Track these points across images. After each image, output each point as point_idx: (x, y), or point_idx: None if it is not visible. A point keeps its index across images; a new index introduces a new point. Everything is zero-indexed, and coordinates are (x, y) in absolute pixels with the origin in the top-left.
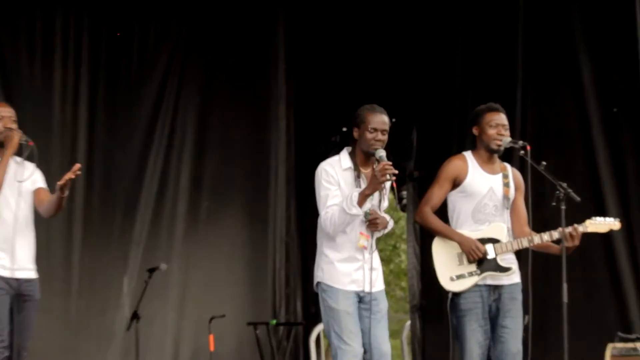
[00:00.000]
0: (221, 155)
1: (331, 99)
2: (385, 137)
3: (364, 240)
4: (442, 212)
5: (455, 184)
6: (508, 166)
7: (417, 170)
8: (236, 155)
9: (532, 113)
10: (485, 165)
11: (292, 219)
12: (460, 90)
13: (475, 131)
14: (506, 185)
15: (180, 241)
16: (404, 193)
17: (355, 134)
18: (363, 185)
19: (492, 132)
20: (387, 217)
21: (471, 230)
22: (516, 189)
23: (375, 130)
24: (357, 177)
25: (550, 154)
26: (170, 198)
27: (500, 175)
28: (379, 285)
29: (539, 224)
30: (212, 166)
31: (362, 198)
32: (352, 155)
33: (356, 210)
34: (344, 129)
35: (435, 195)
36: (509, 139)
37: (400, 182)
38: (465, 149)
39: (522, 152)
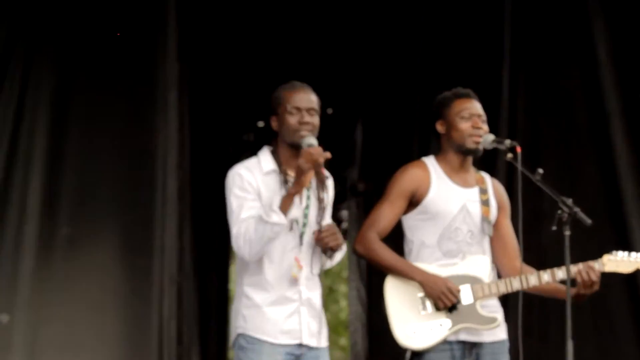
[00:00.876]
0: (85, 164)
1: (242, 85)
2: (314, 120)
3: (292, 269)
4: (396, 240)
5: (413, 201)
6: (486, 177)
7: (363, 181)
8: (106, 164)
9: (523, 101)
10: (455, 174)
11: (187, 250)
12: (422, 71)
13: (439, 127)
14: (485, 203)
15: (27, 283)
16: (344, 213)
17: (274, 124)
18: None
19: (464, 125)
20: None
21: (439, 266)
22: (499, 208)
23: (299, 110)
24: (284, 181)
25: (550, 158)
26: (13, 223)
27: (476, 190)
28: (323, 340)
29: (535, 256)
30: (71, 179)
31: (286, 200)
32: (274, 154)
33: (278, 218)
34: (261, 124)
35: (384, 216)
36: (491, 136)
37: (338, 198)
38: (429, 153)
39: (509, 155)
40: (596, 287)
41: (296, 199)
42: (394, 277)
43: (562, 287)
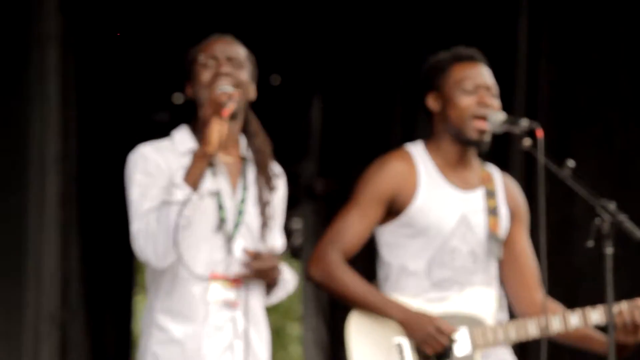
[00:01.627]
0: None
1: (151, 50)
2: (238, 73)
3: (220, 288)
4: (365, 261)
5: (393, 209)
6: (495, 173)
7: (322, 179)
8: None
9: (547, 66)
10: (452, 171)
11: (74, 276)
12: (406, 23)
13: (431, 102)
14: (493, 212)
15: None
16: (296, 223)
17: (190, 91)
18: (223, 180)
19: (467, 101)
20: (282, 266)
21: (427, 301)
22: (513, 218)
23: (215, 59)
24: (211, 165)
25: (585, 146)
26: None
27: (480, 193)
28: None
29: (564, 285)
30: None
31: (192, 169)
32: (195, 131)
33: (183, 193)
34: (179, 99)
35: (351, 228)
36: (502, 114)
37: (289, 203)
38: (416, 138)
39: (527, 142)
40: None
41: (222, 182)
42: (361, 313)
43: (597, 335)
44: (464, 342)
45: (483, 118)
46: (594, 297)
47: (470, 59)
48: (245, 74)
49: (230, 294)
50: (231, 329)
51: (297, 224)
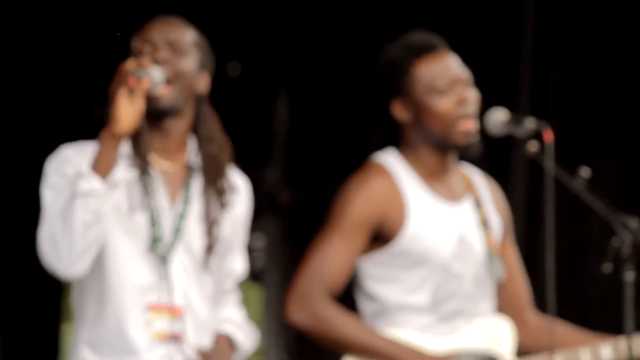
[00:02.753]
0: None
1: (86, 32)
2: (179, 61)
3: (161, 319)
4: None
5: (380, 236)
6: (472, 174)
7: (289, 188)
8: None
9: (558, 65)
10: (436, 181)
11: None
12: (392, 15)
13: (400, 112)
14: (485, 224)
15: None
16: (257, 241)
17: None
18: (159, 191)
19: (444, 104)
20: (236, 331)
21: (434, 335)
22: (503, 225)
23: (151, 43)
24: (143, 172)
25: (603, 153)
26: None
27: (468, 202)
28: None
29: (575, 315)
30: None
31: (100, 156)
32: (135, 133)
33: (88, 183)
34: None
35: (334, 260)
36: (502, 112)
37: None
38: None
39: (532, 147)
40: None
41: (157, 194)
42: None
43: None
44: None
45: (468, 117)
46: (609, 331)
47: (432, 49)
48: (189, 62)
49: (174, 325)
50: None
51: (258, 241)
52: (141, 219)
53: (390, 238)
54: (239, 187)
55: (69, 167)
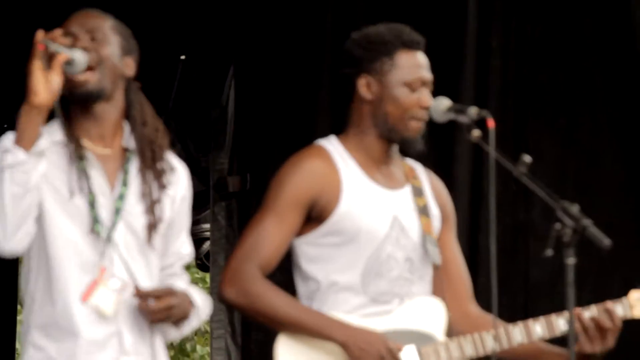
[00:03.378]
0: None
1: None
2: (100, 48)
3: (103, 295)
4: (289, 274)
5: (313, 215)
6: (418, 168)
7: (237, 173)
8: None
9: (500, 53)
10: (376, 169)
11: None
12: None
13: (364, 89)
14: (423, 211)
15: None
16: (204, 228)
17: None
18: (100, 175)
19: (409, 100)
20: (192, 292)
21: (362, 316)
22: (442, 216)
23: (72, 34)
24: (78, 156)
25: (545, 141)
26: None
27: (408, 191)
28: None
29: (518, 299)
30: None
31: (22, 126)
32: (65, 122)
33: (12, 156)
34: None
35: (268, 238)
36: (446, 100)
37: (196, 202)
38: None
39: (475, 133)
40: (610, 343)
41: (94, 178)
42: (291, 337)
43: (551, 348)
44: None
45: (421, 119)
46: (551, 311)
47: (417, 46)
48: (110, 48)
49: (101, 298)
50: (116, 344)
51: (205, 227)
52: (80, 202)
53: (324, 218)
54: (177, 170)
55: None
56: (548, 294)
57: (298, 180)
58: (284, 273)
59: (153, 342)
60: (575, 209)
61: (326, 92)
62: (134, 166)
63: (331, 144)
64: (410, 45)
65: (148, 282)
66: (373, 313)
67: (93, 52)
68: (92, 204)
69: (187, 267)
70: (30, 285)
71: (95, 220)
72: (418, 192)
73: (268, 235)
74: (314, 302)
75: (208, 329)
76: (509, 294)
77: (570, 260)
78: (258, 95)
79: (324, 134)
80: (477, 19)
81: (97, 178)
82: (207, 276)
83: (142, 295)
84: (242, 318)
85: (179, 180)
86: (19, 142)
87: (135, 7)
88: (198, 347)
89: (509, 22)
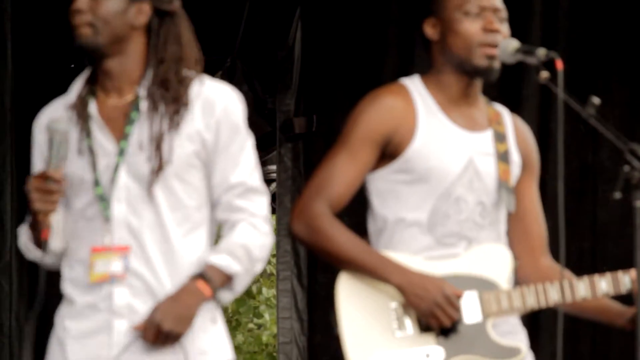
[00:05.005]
0: None
1: None
2: (97, 7)
3: (102, 263)
4: (355, 214)
5: (388, 152)
6: (505, 112)
7: (303, 114)
8: None
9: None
10: (456, 109)
11: None
12: None
13: (429, 30)
14: (503, 157)
15: None
16: (270, 170)
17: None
18: (99, 133)
19: (471, 27)
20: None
21: (427, 259)
22: (523, 165)
23: None
24: (82, 117)
25: (613, 83)
26: None
27: (489, 135)
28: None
29: (586, 242)
30: None
31: (34, 232)
32: (94, 73)
33: (33, 255)
34: None
35: (340, 175)
36: (515, 42)
37: (263, 143)
38: (415, 72)
39: (544, 74)
40: None
41: (97, 138)
42: (352, 276)
43: (616, 306)
44: (474, 309)
45: (492, 45)
46: (620, 259)
47: None
48: (110, 4)
49: (116, 265)
50: (107, 307)
51: (272, 168)
52: (83, 163)
53: (396, 154)
54: (211, 99)
55: (35, 138)
56: (616, 236)
57: (373, 116)
58: (352, 216)
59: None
60: None
61: (394, 32)
62: (143, 112)
63: (412, 83)
64: None
65: (158, 234)
66: (438, 256)
67: (90, 11)
68: (93, 166)
69: None
70: (66, 240)
71: (95, 182)
72: (500, 138)
73: (340, 172)
74: (380, 239)
75: (274, 271)
76: (577, 236)
77: (639, 203)
78: (325, 36)
79: (392, 74)
80: None
81: (100, 137)
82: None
83: (139, 328)
84: (308, 260)
85: (211, 110)
86: (34, 242)
87: None
88: (264, 290)
89: None
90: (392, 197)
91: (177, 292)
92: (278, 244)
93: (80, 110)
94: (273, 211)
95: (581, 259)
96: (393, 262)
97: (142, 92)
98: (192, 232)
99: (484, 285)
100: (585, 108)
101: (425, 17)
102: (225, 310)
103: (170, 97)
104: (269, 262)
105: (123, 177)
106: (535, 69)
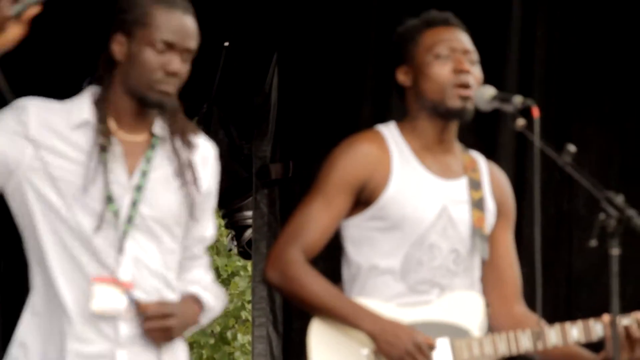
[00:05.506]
0: None
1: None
2: (185, 69)
3: (106, 293)
4: (328, 259)
5: (362, 199)
6: (480, 159)
7: (279, 161)
8: None
9: (544, 41)
10: (431, 156)
11: None
12: None
13: (402, 77)
14: (478, 204)
15: None
16: (246, 216)
17: (119, 49)
18: (119, 165)
19: (441, 70)
20: (202, 290)
21: (400, 305)
22: (498, 213)
23: (170, 46)
24: (103, 146)
25: (589, 130)
26: None
27: (463, 182)
28: None
29: (561, 289)
30: None
31: None
32: (100, 102)
33: None
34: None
35: (314, 222)
36: (490, 89)
37: (238, 189)
38: (391, 119)
39: (520, 122)
40: (638, 355)
41: (114, 167)
42: (324, 322)
43: (584, 353)
44: (445, 356)
45: (464, 85)
46: (594, 306)
47: (444, 23)
48: (188, 64)
49: (121, 301)
50: (113, 336)
51: (247, 214)
52: (96, 194)
53: (371, 201)
54: (207, 153)
55: (18, 117)
56: (591, 285)
57: (348, 163)
58: (327, 261)
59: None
60: (619, 199)
61: (370, 79)
62: (160, 152)
63: (388, 130)
64: (434, 24)
65: (161, 270)
66: (410, 303)
67: (180, 74)
68: (109, 197)
69: (229, 256)
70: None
71: (111, 209)
72: (475, 185)
73: (314, 219)
74: (354, 286)
75: (249, 317)
76: (552, 284)
77: (615, 251)
78: (301, 83)
79: (368, 121)
80: (521, 8)
81: (117, 167)
82: (249, 264)
83: (141, 308)
84: (284, 306)
85: (208, 164)
86: None
87: None
88: (239, 336)
89: (554, 11)
90: (366, 244)
91: (186, 302)
92: (254, 290)
93: (101, 139)
94: (249, 257)
95: (556, 307)
96: (365, 309)
97: (158, 131)
98: (175, 265)
99: (455, 333)
100: (561, 156)
101: (397, 65)
102: (200, 356)
103: (186, 140)
104: (244, 308)
105: (141, 211)
106: (511, 116)
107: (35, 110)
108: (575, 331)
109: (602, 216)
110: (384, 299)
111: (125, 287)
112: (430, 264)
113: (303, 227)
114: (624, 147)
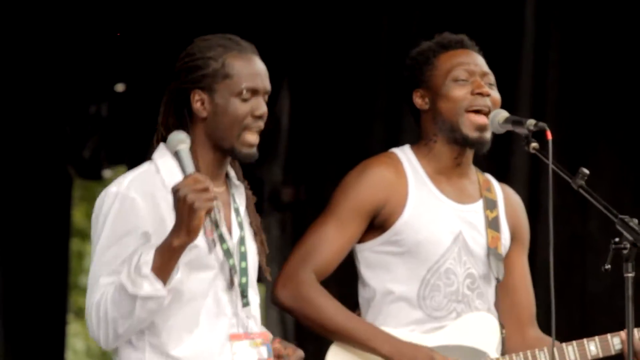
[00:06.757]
0: None
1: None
2: (264, 113)
3: (247, 347)
4: (341, 283)
5: (376, 224)
6: (494, 182)
7: (290, 185)
8: None
9: (557, 66)
10: (447, 180)
11: None
12: (397, 10)
13: (418, 100)
14: (493, 225)
15: None
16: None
17: (201, 106)
18: (221, 218)
19: (459, 92)
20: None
21: (418, 332)
22: (513, 236)
23: (254, 92)
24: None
25: (603, 153)
26: None
27: (480, 205)
28: None
29: (575, 313)
30: None
31: (166, 258)
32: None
33: (151, 287)
34: (120, 88)
35: (327, 244)
36: (504, 112)
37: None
38: (403, 141)
39: (533, 145)
40: None
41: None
42: (342, 347)
43: None
44: None
45: (481, 112)
46: (609, 328)
47: (459, 45)
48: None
49: (262, 351)
50: None
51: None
52: (211, 258)
53: (386, 227)
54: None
55: (137, 214)
56: (605, 307)
57: (364, 187)
58: (339, 285)
59: None
60: (634, 222)
61: (381, 102)
62: (239, 202)
63: (404, 153)
64: (449, 47)
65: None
66: (428, 329)
67: (264, 117)
68: (228, 254)
69: None
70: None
71: (231, 266)
72: (491, 205)
73: (327, 241)
74: (369, 310)
75: None
76: (566, 307)
77: (630, 274)
78: (312, 107)
79: (379, 145)
80: (534, 31)
81: (221, 222)
82: (262, 287)
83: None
84: (296, 329)
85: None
86: (159, 274)
87: (186, 20)
88: None
89: (567, 34)
90: (381, 268)
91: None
92: (266, 313)
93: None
94: (260, 281)
95: (571, 329)
96: (381, 331)
97: (234, 182)
98: None
99: (473, 354)
100: (575, 179)
101: (413, 88)
102: None
103: (247, 184)
104: None
105: (251, 263)
106: (524, 139)
107: (139, 201)
108: (592, 346)
109: (616, 239)
110: (401, 324)
111: (265, 339)
112: (446, 290)
113: (315, 248)
114: (637, 171)
